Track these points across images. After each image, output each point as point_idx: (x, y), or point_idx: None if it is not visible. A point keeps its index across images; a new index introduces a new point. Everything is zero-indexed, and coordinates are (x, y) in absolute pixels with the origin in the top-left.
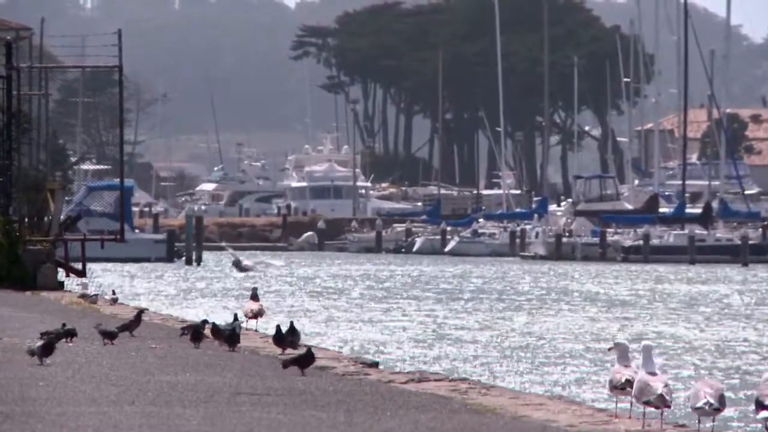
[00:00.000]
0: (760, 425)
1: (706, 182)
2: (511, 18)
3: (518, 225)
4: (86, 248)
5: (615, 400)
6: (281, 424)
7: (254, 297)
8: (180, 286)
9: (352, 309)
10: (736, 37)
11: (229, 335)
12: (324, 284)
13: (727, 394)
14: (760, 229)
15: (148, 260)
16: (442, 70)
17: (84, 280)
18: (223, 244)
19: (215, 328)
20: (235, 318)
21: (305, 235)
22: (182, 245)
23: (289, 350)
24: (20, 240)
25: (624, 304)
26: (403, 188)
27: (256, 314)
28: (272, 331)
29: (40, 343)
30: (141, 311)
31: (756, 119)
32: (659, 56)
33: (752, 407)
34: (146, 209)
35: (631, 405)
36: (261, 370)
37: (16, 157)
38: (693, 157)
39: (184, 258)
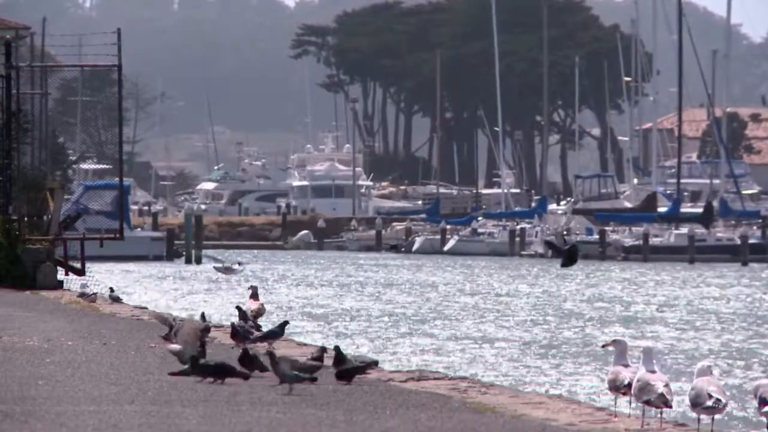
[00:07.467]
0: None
1: (706, 181)
2: (510, 18)
3: (517, 224)
4: (84, 247)
5: (614, 399)
6: (281, 423)
7: (254, 296)
8: (179, 284)
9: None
10: (736, 37)
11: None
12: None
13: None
14: (755, 227)
15: (146, 258)
16: (441, 70)
17: (83, 278)
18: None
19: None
20: (240, 310)
21: (300, 233)
22: (182, 243)
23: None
24: (20, 239)
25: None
26: (403, 187)
27: (257, 313)
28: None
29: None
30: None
31: (755, 118)
32: (662, 56)
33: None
34: (145, 208)
35: (630, 403)
36: None
37: (15, 156)
38: (693, 156)
39: (183, 257)
